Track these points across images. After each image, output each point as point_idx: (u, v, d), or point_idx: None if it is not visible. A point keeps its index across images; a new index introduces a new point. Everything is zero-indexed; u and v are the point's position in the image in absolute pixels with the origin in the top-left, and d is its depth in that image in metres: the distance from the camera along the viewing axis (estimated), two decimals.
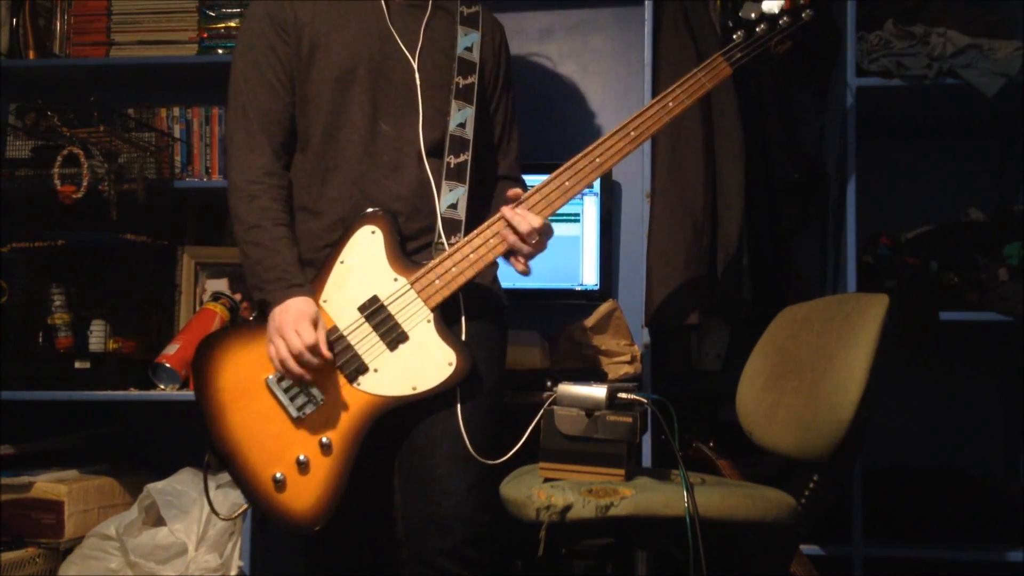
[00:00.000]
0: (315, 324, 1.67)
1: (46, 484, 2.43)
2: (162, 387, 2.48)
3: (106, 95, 2.66)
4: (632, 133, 1.79)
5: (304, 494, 1.67)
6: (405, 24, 1.83)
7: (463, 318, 1.75)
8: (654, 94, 2.39)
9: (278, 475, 1.67)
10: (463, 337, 1.74)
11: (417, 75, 1.80)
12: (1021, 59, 2.29)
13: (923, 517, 2.43)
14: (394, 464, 1.80)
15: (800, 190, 2.52)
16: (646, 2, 2.49)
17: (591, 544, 2.31)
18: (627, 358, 2.41)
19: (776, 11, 1.84)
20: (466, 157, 1.81)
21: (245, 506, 1.80)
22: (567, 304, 2.69)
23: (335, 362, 1.70)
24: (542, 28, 2.89)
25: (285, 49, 1.79)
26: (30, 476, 2.44)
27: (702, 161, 2.36)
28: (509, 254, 1.77)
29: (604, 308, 2.47)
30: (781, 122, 2.52)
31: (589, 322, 2.45)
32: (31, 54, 2.75)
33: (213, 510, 1.94)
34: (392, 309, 1.71)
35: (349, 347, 1.71)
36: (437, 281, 1.72)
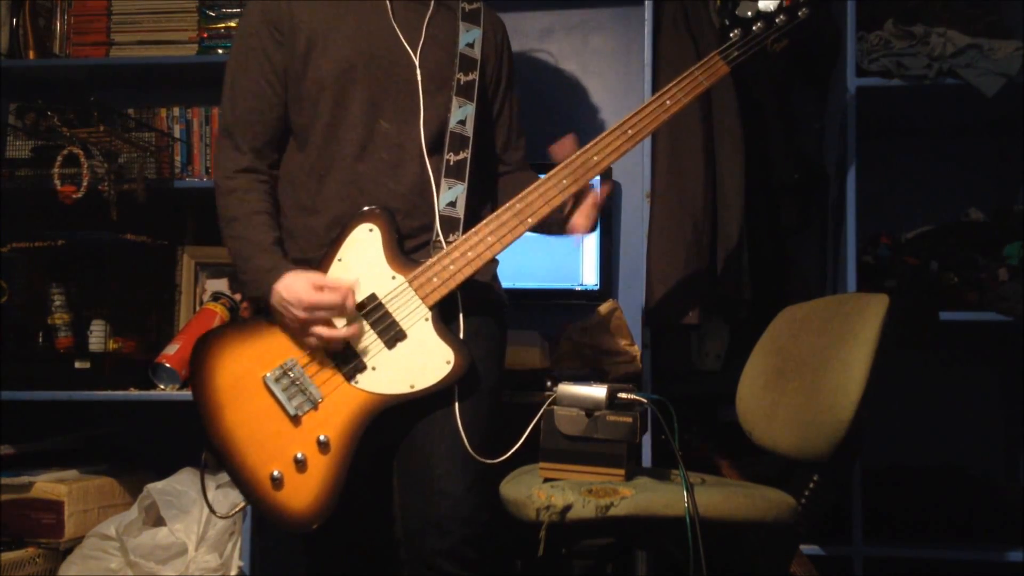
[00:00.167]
0: (317, 288, 1.65)
1: (46, 484, 2.43)
2: (162, 387, 2.49)
3: (106, 95, 2.66)
4: (629, 131, 1.79)
5: (302, 492, 1.66)
6: (407, 20, 1.82)
7: (461, 316, 1.75)
8: (654, 94, 2.39)
9: (275, 473, 1.66)
10: (461, 335, 1.74)
11: (419, 71, 1.79)
12: (1021, 59, 2.29)
13: (923, 517, 2.43)
14: (393, 464, 1.80)
15: (800, 190, 2.52)
16: (646, 2, 2.49)
17: (591, 544, 2.31)
18: (627, 358, 2.41)
19: (772, 9, 1.84)
20: (466, 155, 1.81)
21: (243, 504, 1.80)
22: (567, 304, 2.70)
23: (333, 360, 1.70)
24: (542, 28, 2.89)
25: (278, 49, 1.79)
26: (30, 476, 2.44)
27: (702, 161, 2.36)
28: (574, 207, 1.78)
29: (604, 308, 2.47)
30: (781, 122, 2.52)
31: (589, 322, 2.45)
32: (31, 54, 2.75)
33: (211, 509, 1.93)
34: (390, 307, 1.71)
35: (347, 345, 1.71)
36: (435, 279, 1.71)
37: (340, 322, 1.68)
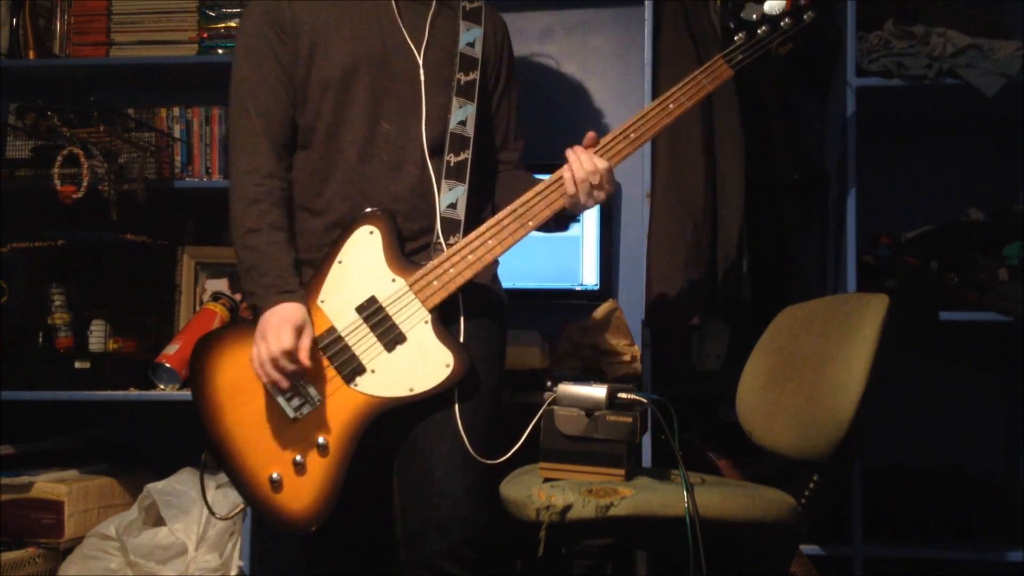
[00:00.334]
0: (299, 331, 1.65)
1: (46, 484, 2.43)
2: (162, 387, 2.49)
3: (106, 95, 2.66)
4: (632, 135, 1.79)
5: (301, 494, 1.67)
6: (412, 20, 1.81)
7: (461, 318, 1.75)
8: (654, 94, 2.39)
9: (275, 475, 1.67)
10: (461, 338, 1.74)
11: (422, 71, 1.79)
12: (1021, 59, 2.29)
13: (923, 517, 2.43)
14: (393, 465, 1.79)
15: (800, 190, 2.52)
16: (646, 2, 2.49)
17: (591, 544, 2.31)
18: (627, 358, 2.41)
19: (778, 12, 1.83)
20: (466, 155, 1.80)
21: (242, 506, 1.80)
22: (567, 304, 2.70)
23: (332, 363, 1.70)
24: (542, 28, 2.89)
25: (284, 49, 1.78)
26: (30, 476, 2.44)
27: (702, 161, 2.36)
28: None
29: (604, 308, 2.47)
30: (782, 122, 2.52)
31: (589, 322, 2.45)
32: (31, 54, 2.75)
33: (210, 510, 1.94)
34: (390, 310, 1.71)
35: (346, 348, 1.70)
36: (435, 282, 1.71)
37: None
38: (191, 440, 1.83)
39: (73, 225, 2.56)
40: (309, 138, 1.80)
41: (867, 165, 2.53)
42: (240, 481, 1.69)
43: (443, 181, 1.78)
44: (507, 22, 1.99)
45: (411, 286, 1.71)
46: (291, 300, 1.68)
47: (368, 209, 1.74)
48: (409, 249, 1.76)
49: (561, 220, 1.82)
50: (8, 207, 2.58)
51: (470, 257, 1.72)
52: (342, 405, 1.69)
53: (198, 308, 2.70)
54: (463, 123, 1.81)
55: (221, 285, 2.75)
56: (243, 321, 2.01)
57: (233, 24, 2.69)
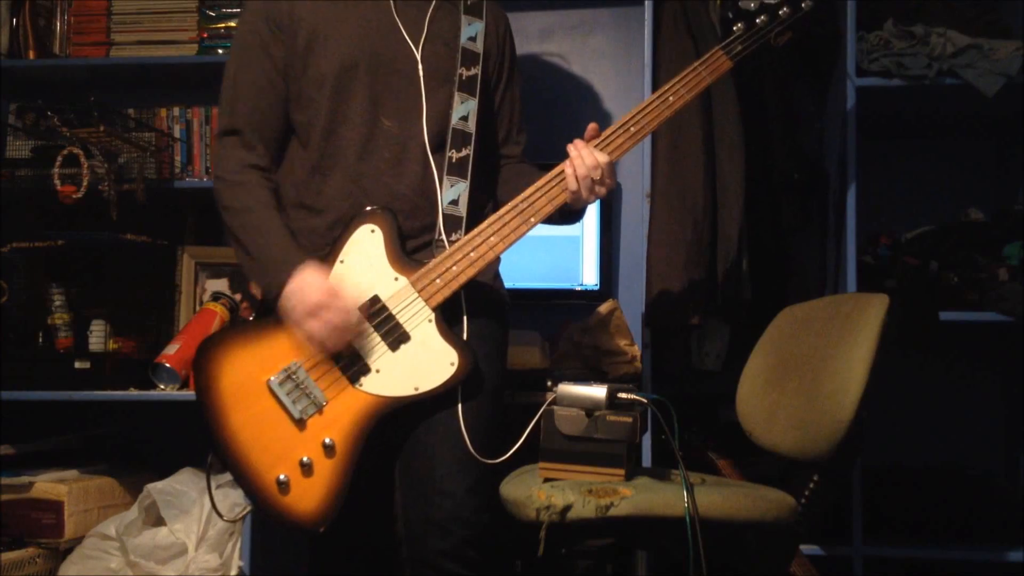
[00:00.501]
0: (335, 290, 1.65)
1: (46, 484, 2.43)
2: (162, 387, 2.48)
3: (106, 95, 2.66)
4: (632, 128, 1.79)
5: (308, 496, 1.66)
6: (410, 17, 1.81)
7: (465, 317, 1.75)
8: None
9: (282, 477, 1.66)
10: (465, 336, 1.73)
11: (420, 67, 1.78)
12: (1021, 59, 2.29)
13: (923, 517, 2.43)
14: (395, 464, 1.79)
15: (800, 190, 2.52)
16: (646, 2, 2.49)
17: (591, 544, 2.31)
18: (627, 358, 2.41)
19: (776, 1, 1.83)
20: (468, 151, 1.79)
21: (248, 507, 1.80)
22: (567, 304, 2.70)
23: (337, 363, 1.69)
24: (542, 28, 2.89)
25: (279, 47, 1.78)
26: (30, 476, 2.43)
27: (702, 161, 2.36)
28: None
29: (604, 308, 2.47)
30: (782, 122, 2.52)
31: (589, 322, 2.45)
32: (31, 54, 2.75)
33: (217, 512, 1.93)
34: (393, 309, 1.71)
35: (351, 347, 1.70)
36: (438, 280, 1.71)
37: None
38: (191, 440, 1.83)
39: (73, 225, 2.56)
40: (309, 135, 1.79)
41: (867, 165, 2.53)
42: (247, 483, 1.68)
43: (445, 177, 1.77)
44: None
45: (414, 284, 1.71)
46: (308, 267, 1.67)
47: (369, 207, 1.74)
48: (410, 247, 1.75)
49: (567, 214, 1.82)
50: (8, 207, 2.58)
51: (472, 254, 1.72)
52: (348, 405, 1.69)
53: (198, 308, 2.70)
54: (465, 119, 1.81)
55: (221, 285, 2.75)
56: (244, 322, 2.00)
57: (233, 24, 2.69)
